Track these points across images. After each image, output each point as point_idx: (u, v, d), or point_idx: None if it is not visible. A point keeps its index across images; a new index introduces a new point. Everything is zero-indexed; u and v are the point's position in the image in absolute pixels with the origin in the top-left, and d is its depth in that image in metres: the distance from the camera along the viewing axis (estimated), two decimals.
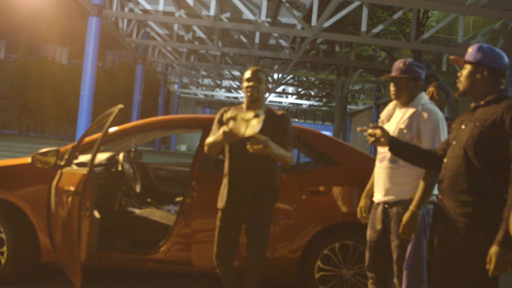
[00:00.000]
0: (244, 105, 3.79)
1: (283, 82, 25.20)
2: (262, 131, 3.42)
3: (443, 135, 3.39)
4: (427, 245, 3.19)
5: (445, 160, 2.90)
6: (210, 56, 20.26)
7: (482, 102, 2.79)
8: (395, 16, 13.10)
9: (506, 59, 2.82)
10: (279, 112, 3.82)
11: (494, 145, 2.65)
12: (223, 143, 3.63)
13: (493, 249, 2.51)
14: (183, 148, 33.08)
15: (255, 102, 3.71)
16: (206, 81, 29.23)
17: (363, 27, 12.91)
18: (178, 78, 29.69)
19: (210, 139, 3.69)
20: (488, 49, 2.80)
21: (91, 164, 3.75)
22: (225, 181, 3.77)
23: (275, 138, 3.58)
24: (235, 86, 29.05)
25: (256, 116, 3.37)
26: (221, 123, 3.73)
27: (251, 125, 3.35)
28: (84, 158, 4.43)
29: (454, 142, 2.85)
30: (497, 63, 2.78)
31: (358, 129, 3.33)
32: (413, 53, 15.85)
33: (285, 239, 4.44)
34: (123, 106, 3.87)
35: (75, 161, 4.25)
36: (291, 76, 26.68)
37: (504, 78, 2.81)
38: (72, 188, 3.67)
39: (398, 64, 3.51)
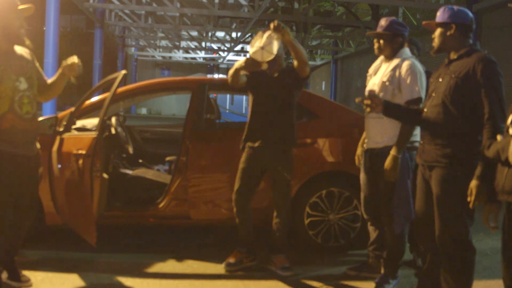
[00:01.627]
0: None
1: (242, 40, 25.18)
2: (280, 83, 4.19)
3: (422, 87, 3.74)
4: (412, 186, 3.61)
5: (425, 110, 3.29)
6: (169, 17, 20.08)
7: (456, 56, 3.17)
8: None
9: (470, 14, 3.22)
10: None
11: (468, 93, 3.06)
12: (246, 69, 4.12)
13: (473, 183, 2.91)
14: (143, 111, 32.92)
15: None
16: (164, 42, 28.90)
17: None
18: (135, 41, 29.24)
19: (231, 69, 4.17)
20: (452, 8, 3.17)
21: (100, 128, 3.94)
22: (247, 125, 4.28)
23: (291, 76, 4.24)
24: (193, 46, 28.86)
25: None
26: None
27: (266, 51, 3.89)
28: (80, 123, 4.62)
29: (433, 94, 3.24)
30: (463, 18, 3.17)
31: (357, 100, 3.37)
32: (371, 7, 16.18)
33: None
34: (126, 72, 4.05)
35: (74, 127, 4.44)
36: (249, 34, 26.66)
37: (471, 32, 3.19)
38: (82, 152, 3.86)
39: (381, 22, 3.86)
